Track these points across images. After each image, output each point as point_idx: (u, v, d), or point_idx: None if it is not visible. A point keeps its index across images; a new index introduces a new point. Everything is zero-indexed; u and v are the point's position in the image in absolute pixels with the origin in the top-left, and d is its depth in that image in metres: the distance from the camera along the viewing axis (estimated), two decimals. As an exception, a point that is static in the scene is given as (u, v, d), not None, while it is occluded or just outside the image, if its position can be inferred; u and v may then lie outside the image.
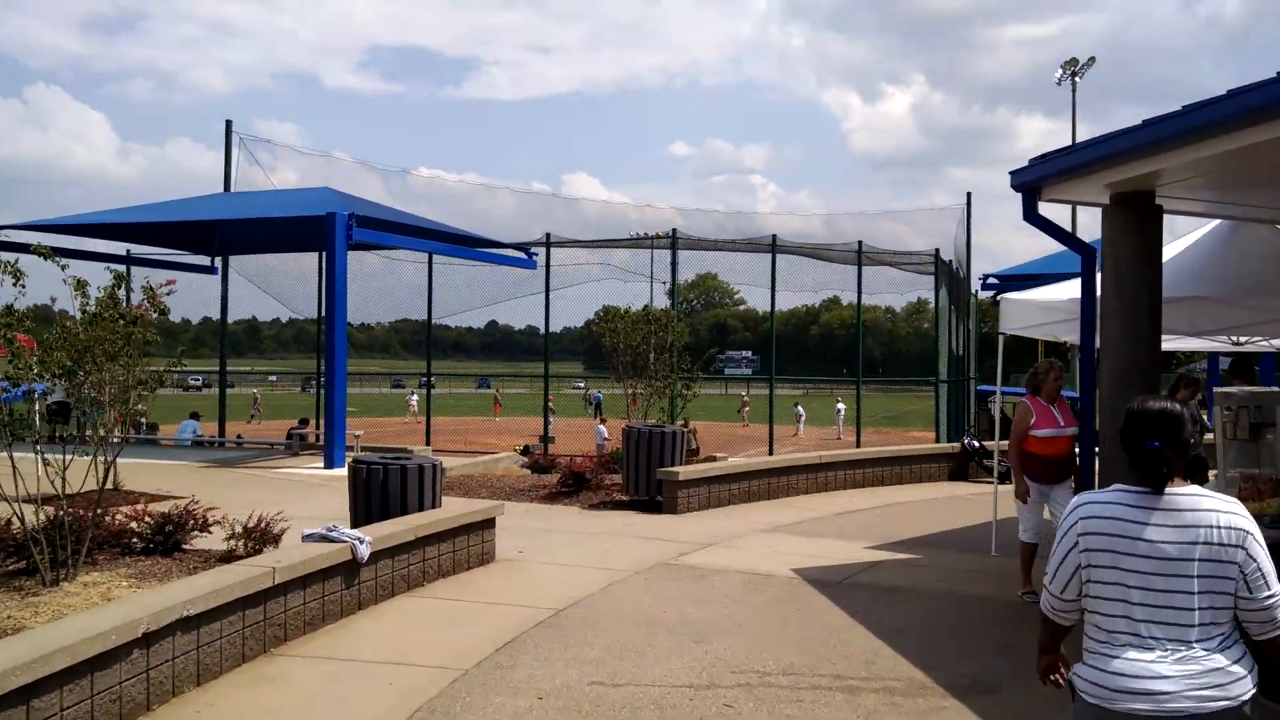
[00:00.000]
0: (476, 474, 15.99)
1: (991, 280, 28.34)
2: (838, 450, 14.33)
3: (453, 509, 8.72)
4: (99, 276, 8.77)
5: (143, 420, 27.67)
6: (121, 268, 24.88)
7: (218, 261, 24.08)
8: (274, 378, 74.73)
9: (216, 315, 24.63)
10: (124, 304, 8.72)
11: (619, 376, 14.01)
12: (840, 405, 41.55)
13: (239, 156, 23.44)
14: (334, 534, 7.24)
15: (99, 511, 9.17)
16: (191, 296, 25.36)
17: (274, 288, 26.17)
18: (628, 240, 22.32)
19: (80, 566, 8.07)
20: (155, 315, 8.72)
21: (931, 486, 14.77)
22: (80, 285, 8.00)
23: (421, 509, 8.74)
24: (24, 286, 7.85)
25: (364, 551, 7.25)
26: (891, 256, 24.71)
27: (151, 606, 5.44)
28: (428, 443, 23.03)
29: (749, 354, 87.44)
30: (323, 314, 19.90)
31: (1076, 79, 49.68)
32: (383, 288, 25.24)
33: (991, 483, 15.39)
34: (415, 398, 47.62)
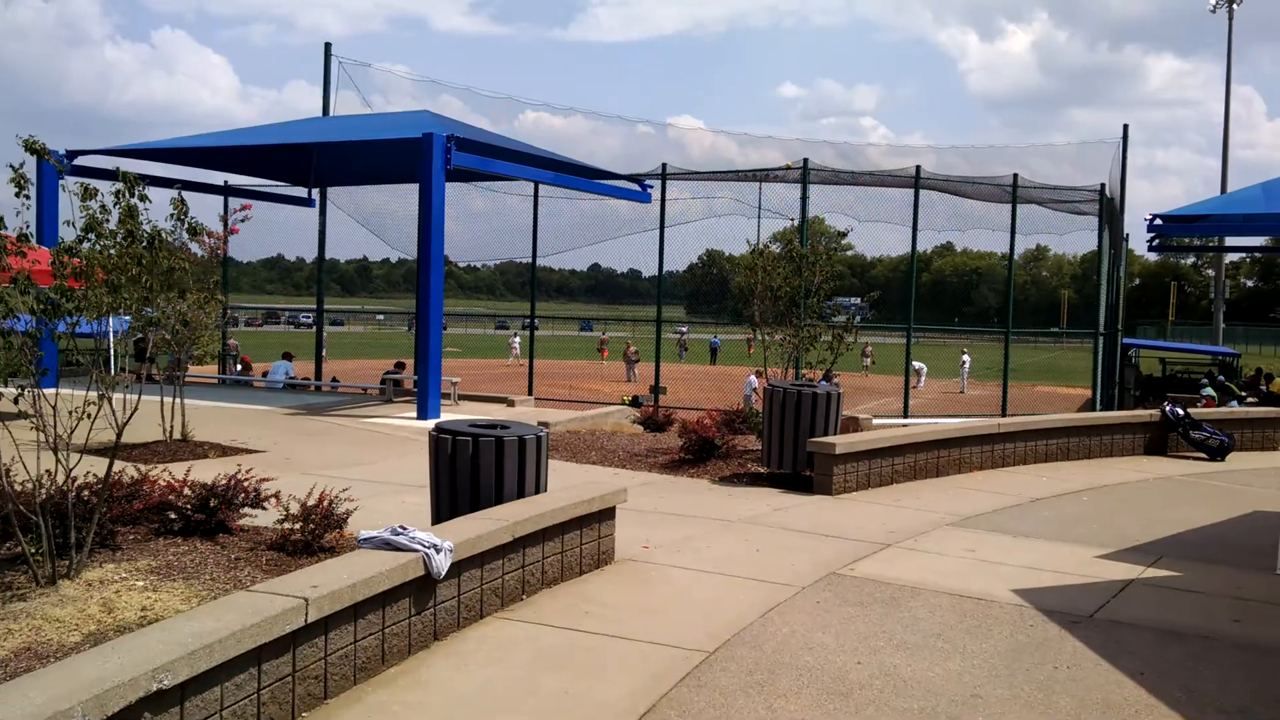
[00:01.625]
0: (584, 430, 13.90)
1: (1158, 222, 25.09)
2: (1016, 419, 11.81)
3: (561, 498, 6.54)
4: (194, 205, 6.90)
5: (235, 358, 26.44)
6: (215, 198, 23.48)
7: (315, 194, 22.36)
8: (381, 317, 74.25)
9: (331, 254, 22.99)
10: (173, 229, 6.75)
11: (755, 324, 11.69)
12: (966, 357, 38.49)
13: (337, 84, 21.54)
14: (402, 538, 5.13)
15: (141, 475, 7.32)
16: (306, 235, 23.81)
17: (375, 223, 24.40)
18: (752, 171, 19.80)
19: (92, 554, 6.17)
20: (204, 243, 6.80)
21: (1129, 463, 12.13)
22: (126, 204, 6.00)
23: (522, 494, 6.60)
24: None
25: (442, 564, 5.13)
26: (1049, 193, 21.67)
27: (105, 680, 3.39)
28: (530, 390, 21.08)
29: (858, 301, 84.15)
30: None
31: (1235, 5, 44.50)
32: (489, 228, 23.24)
33: (1200, 458, 12.71)
34: (518, 340, 46.00)
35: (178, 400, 11.41)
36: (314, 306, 24.91)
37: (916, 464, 10.37)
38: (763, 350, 11.79)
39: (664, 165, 20.18)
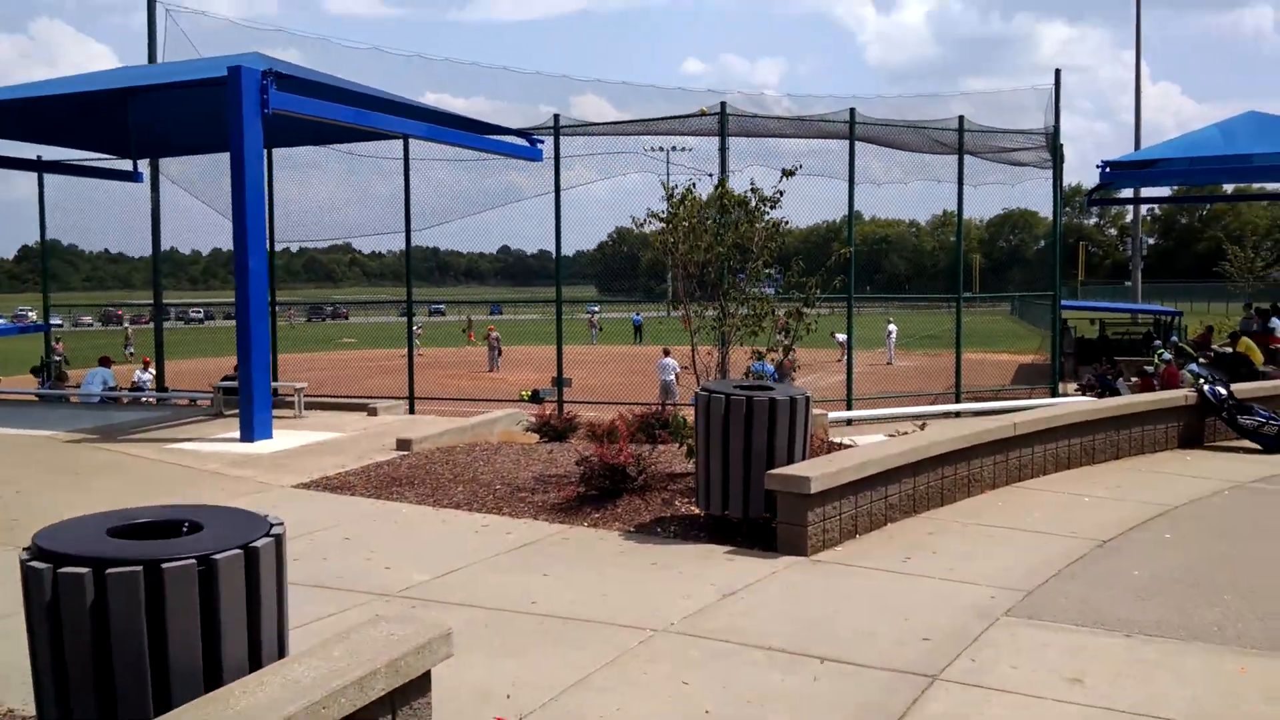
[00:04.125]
0: (461, 445, 10.38)
1: (1107, 170, 22.32)
2: (1031, 416, 8.54)
3: (291, 694, 3.01)
4: None
5: (58, 364, 22.12)
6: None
7: (143, 166, 18.26)
8: (278, 308, 69.07)
9: (196, 242, 18.85)
10: None
11: (678, 299, 8.28)
12: (891, 327, 35.76)
13: (166, 35, 17.33)
14: None
15: None
16: (189, 220, 19.63)
17: (226, 202, 20.31)
18: (660, 119, 16.33)
19: None
20: None
21: (1172, 462, 9.02)
22: None
23: (216, 678, 3.08)
24: None
25: None
26: (998, 138, 18.64)
27: None
28: (410, 391, 17.39)
29: (772, 270, 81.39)
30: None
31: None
32: (348, 202, 19.31)
33: (1252, 450, 9.73)
34: (419, 330, 41.86)
35: None
36: (188, 302, 20.75)
37: (917, 491, 7.07)
38: (690, 334, 8.36)
39: (556, 116, 16.59)
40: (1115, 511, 7.12)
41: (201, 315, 66.99)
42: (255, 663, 3.17)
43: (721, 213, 8.17)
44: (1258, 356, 20.90)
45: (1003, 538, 6.46)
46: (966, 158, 18.58)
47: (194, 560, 3.01)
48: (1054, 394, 18.94)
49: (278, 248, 20.68)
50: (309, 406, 13.53)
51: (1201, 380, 9.90)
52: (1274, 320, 25.85)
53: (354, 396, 17.39)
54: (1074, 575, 5.62)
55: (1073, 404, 9.09)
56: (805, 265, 8.31)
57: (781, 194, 8.29)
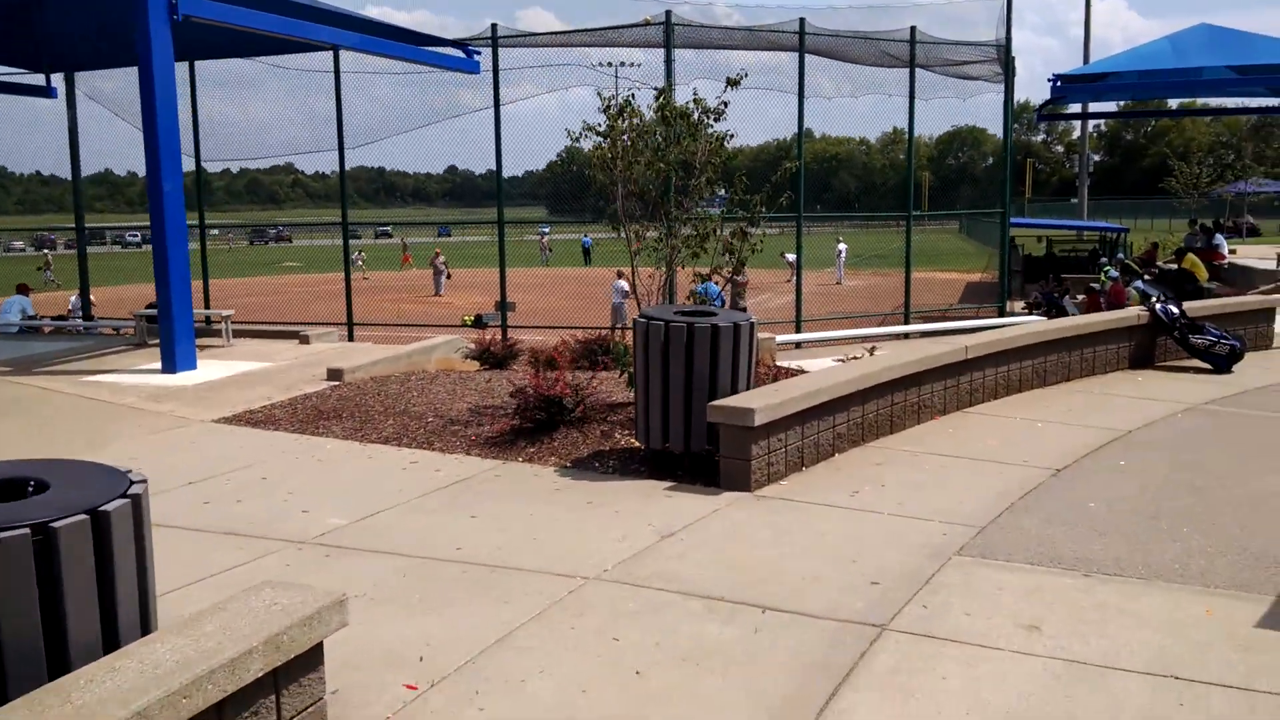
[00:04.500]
0: (395, 374, 9.92)
1: (1059, 84, 21.91)
2: (984, 338, 8.24)
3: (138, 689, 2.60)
4: None
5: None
6: None
7: (57, 80, 17.17)
8: (215, 232, 67.14)
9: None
10: None
11: (616, 220, 7.79)
12: (841, 245, 35.49)
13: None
14: None
15: None
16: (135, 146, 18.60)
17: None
18: (603, 29, 15.58)
19: None
20: None
21: (1124, 383, 8.81)
22: None
23: (62, 664, 2.66)
24: None
25: None
26: (950, 50, 18.12)
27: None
28: (349, 317, 16.77)
29: (723, 192, 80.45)
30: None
31: None
32: (281, 118, 18.38)
33: (1203, 369, 9.55)
34: (361, 254, 40.81)
35: None
36: (123, 226, 19.71)
37: (866, 420, 6.75)
38: (630, 255, 7.89)
39: (493, 26, 15.79)
40: (1069, 438, 6.87)
41: (139, 239, 65.04)
42: (111, 643, 2.75)
43: (663, 125, 7.64)
44: (1202, 273, 20.89)
45: (954, 467, 6.17)
46: (918, 72, 18.07)
47: (27, 530, 2.56)
48: (1001, 313, 18.80)
49: (216, 168, 19.75)
50: (239, 335, 12.91)
51: (1154, 299, 9.66)
52: (1218, 237, 25.90)
53: (290, 323, 16.77)
54: (1027, 508, 5.34)
55: (1024, 326, 8.81)
56: (751, 182, 7.84)
57: (726, 105, 7.78)
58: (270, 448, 7.27)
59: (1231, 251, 25.24)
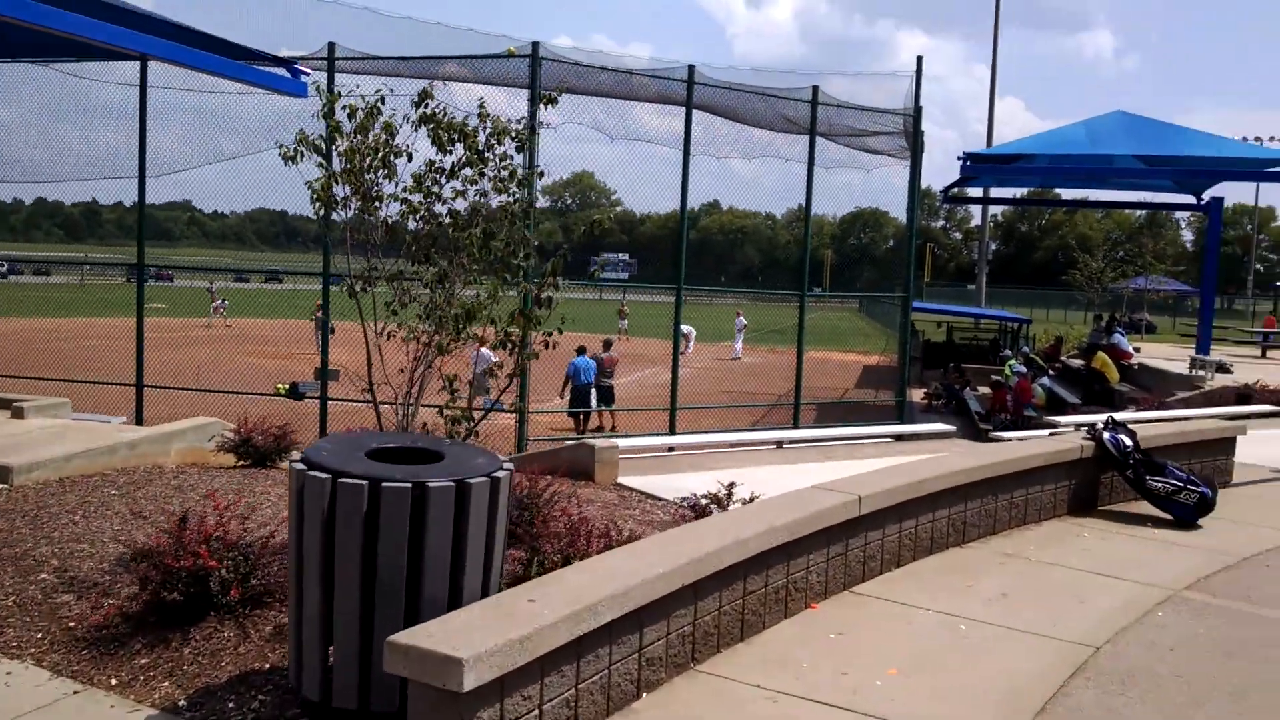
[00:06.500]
0: (105, 472, 7.10)
1: (969, 164, 20.13)
2: (883, 483, 5.69)
3: None
4: None
5: None
6: None
7: None
8: (91, 267, 62.24)
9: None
10: None
11: (350, 277, 5.11)
12: (741, 319, 33.42)
13: None
14: None
15: None
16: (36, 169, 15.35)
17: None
18: (464, 57, 13.06)
19: None
20: None
21: (1068, 540, 6.36)
22: None
23: None
24: None
25: None
26: (854, 117, 16.08)
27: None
28: (138, 377, 13.67)
29: (625, 256, 78.35)
30: None
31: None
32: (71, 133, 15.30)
33: (1161, 519, 7.23)
34: (222, 302, 37.25)
35: None
36: None
37: (700, 626, 4.15)
38: (366, 342, 5.20)
39: (330, 45, 13.18)
40: (1007, 661, 4.36)
41: (5, 269, 60.07)
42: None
43: (436, 149, 5.06)
44: (1113, 374, 19.12)
45: (834, 735, 3.59)
46: (822, 142, 16.01)
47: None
48: (900, 410, 16.61)
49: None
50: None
51: (1101, 426, 7.34)
52: (1117, 334, 24.42)
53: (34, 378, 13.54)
54: None
55: (936, 464, 6.36)
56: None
57: (538, 128, 5.26)
58: None
59: (1136, 349, 23.75)
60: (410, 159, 4.93)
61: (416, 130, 5.00)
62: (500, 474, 3.42)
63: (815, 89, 14.95)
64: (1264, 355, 25.34)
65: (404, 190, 4.99)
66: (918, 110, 16.39)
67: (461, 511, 3.30)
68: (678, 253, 14.67)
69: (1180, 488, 6.91)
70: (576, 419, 16.76)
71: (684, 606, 4.04)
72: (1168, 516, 7.00)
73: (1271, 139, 38.01)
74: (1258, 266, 70.08)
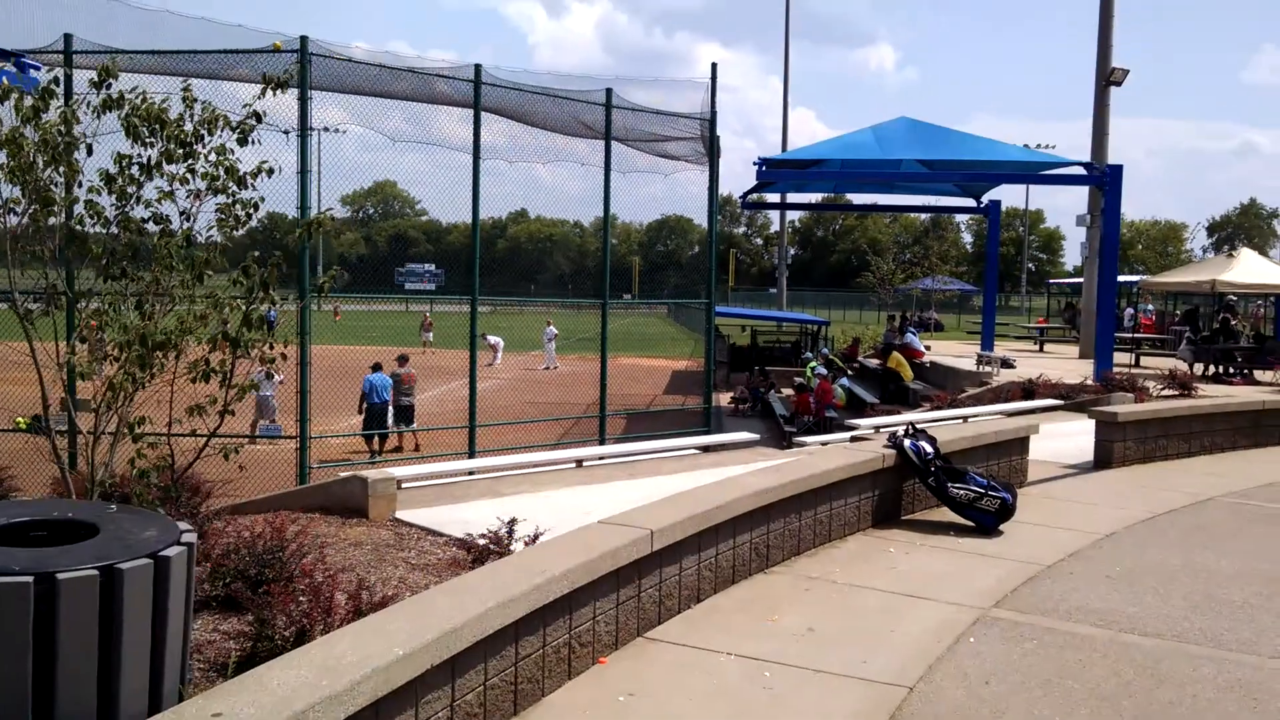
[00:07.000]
0: None
1: (764, 169, 20.22)
2: (679, 511, 5.14)
3: None
4: None
5: None
6: None
7: None
8: None
9: None
10: None
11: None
12: (551, 328, 32.74)
13: None
14: None
15: None
16: None
17: None
18: (219, 52, 11.82)
19: None
20: None
21: (874, 557, 6.01)
22: None
23: None
24: None
25: None
26: (651, 121, 15.73)
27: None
28: None
29: (432, 267, 76.32)
30: None
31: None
32: None
33: (964, 526, 7.04)
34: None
35: None
36: None
37: (455, 716, 3.44)
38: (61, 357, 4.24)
39: (67, 37, 11.69)
40: (815, 709, 3.87)
41: None
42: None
43: (133, 141, 4.15)
44: (907, 372, 19.63)
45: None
46: (627, 151, 15.62)
47: None
48: (708, 415, 16.39)
49: None
50: None
51: (902, 434, 7.10)
52: (910, 332, 25.28)
53: None
54: None
55: (737, 485, 5.89)
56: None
57: (258, 120, 4.39)
58: None
59: (927, 347, 24.62)
60: (91, 152, 4.01)
61: (99, 118, 4.08)
62: (172, 551, 2.61)
63: (609, 91, 14.50)
64: (1042, 349, 26.81)
65: (90, 190, 4.05)
66: (713, 115, 16.23)
67: (112, 606, 2.47)
68: (473, 260, 13.87)
69: (981, 494, 6.73)
70: (370, 441, 15.65)
71: (437, 689, 3.32)
72: (970, 524, 6.81)
73: (1050, 146, 40.72)
74: (1030, 265, 75.35)
